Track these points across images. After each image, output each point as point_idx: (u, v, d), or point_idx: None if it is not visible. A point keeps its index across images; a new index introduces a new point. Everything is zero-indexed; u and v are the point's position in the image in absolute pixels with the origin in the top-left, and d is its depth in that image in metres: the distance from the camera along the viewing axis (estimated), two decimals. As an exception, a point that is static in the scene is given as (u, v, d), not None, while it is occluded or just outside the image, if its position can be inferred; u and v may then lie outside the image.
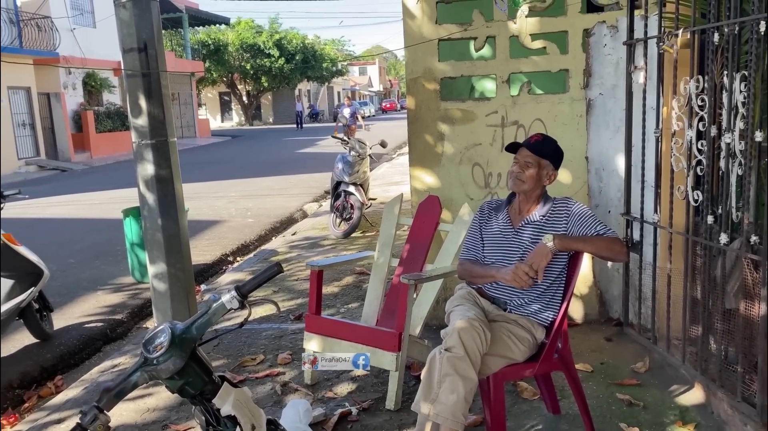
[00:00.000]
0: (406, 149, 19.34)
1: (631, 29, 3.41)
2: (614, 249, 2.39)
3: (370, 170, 8.14)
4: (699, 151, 2.79)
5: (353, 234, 7.04)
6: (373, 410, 2.99)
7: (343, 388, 3.24)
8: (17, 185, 13.26)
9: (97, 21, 21.27)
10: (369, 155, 7.67)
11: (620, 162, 3.65)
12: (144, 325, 4.92)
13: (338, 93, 57.16)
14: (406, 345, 2.95)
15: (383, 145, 7.86)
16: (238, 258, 6.91)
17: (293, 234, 7.63)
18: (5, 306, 4.09)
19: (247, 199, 10.45)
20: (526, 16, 3.74)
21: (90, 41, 20.70)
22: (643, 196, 3.36)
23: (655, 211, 3.21)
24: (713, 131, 2.72)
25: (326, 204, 9.32)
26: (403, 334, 2.93)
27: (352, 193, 7.11)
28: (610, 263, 3.81)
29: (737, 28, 2.55)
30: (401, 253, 3.51)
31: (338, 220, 7.18)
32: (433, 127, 3.93)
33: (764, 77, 2.67)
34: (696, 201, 2.83)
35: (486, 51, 3.92)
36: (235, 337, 3.97)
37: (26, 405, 3.66)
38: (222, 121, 43.04)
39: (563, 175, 3.79)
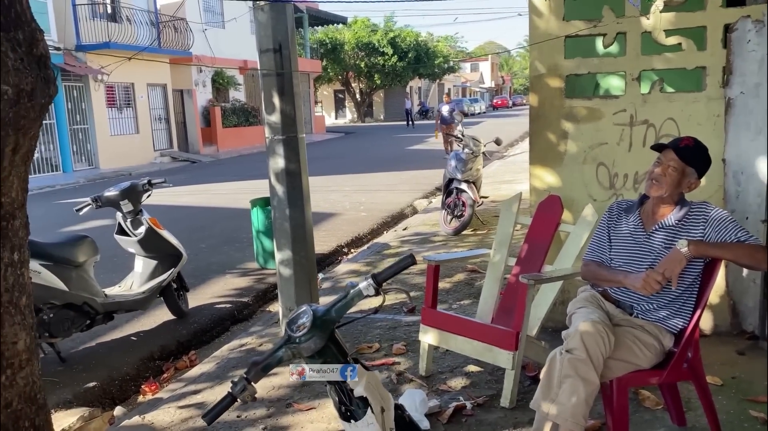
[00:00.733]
0: (518, 147, 18.97)
1: (780, 23, 3.17)
2: (757, 257, 2.24)
3: (483, 168, 8.10)
4: None
5: (464, 232, 7.04)
6: (488, 406, 3.01)
7: (458, 382, 3.29)
8: (154, 174, 14.48)
9: (226, 22, 22.65)
10: (483, 152, 7.63)
11: (762, 166, 3.40)
12: (268, 308, 5.23)
13: (449, 89, 56.93)
14: (523, 344, 2.94)
15: (498, 142, 7.80)
16: (353, 250, 7.14)
17: (404, 229, 7.76)
18: (149, 284, 4.51)
19: (360, 194, 10.74)
20: (660, 11, 3.58)
21: (219, 41, 22.10)
22: (787, 202, 3.12)
23: (802, 218, 2.98)
24: None
25: (435, 200, 9.38)
26: (521, 333, 2.93)
27: (464, 191, 7.11)
28: (745, 272, 3.57)
29: None
30: (519, 252, 3.49)
31: (449, 217, 7.21)
32: (556, 125, 3.86)
33: None
34: None
35: (614, 47, 3.79)
36: (352, 325, 4.14)
37: (165, 375, 4.02)
38: (336, 118, 44.34)
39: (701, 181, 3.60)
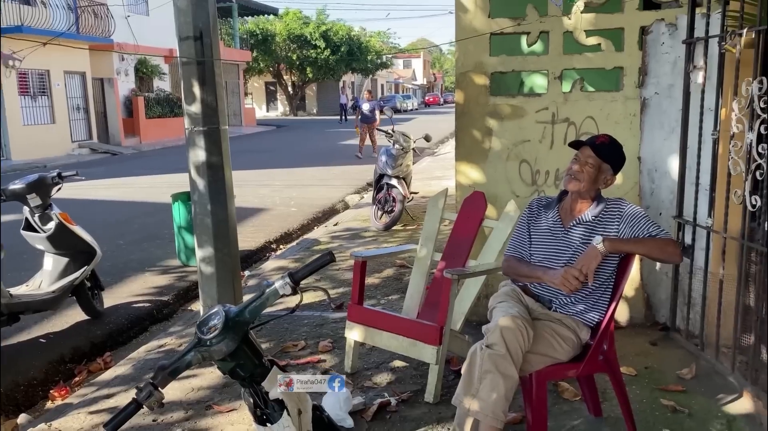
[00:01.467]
0: (448, 144, 19.22)
1: (691, 28, 3.31)
2: (668, 250, 2.33)
3: (413, 164, 8.14)
4: (759, 154, 2.71)
5: (394, 228, 7.05)
6: (412, 402, 3.00)
7: (383, 378, 3.27)
8: (71, 167, 13.74)
9: (151, 9, 21.78)
10: (413, 149, 7.67)
11: (674, 163, 3.56)
12: (189, 307, 5.04)
13: (382, 85, 57.20)
14: (447, 339, 2.95)
15: (427, 139, 7.84)
16: (281, 246, 7.01)
17: (335, 224, 7.70)
18: (60, 283, 4.25)
19: (291, 189, 10.58)
20: (581, 12, 3.67)
21: (143, 29, 21.22)
22: (696, 199, 3.27)
23: (709, 214, 3.13)
24: (775, 134, 2.63)
25: (368, 196, 9.36)
26: (445, 328, 2.93)
27: (394, 186, 7.12)
28: (658, 266, 3.73)
29: (807, 28, 2.46)
30: (444, 248, 3.51)
31: (380, 213, 7.21)
32: (481, 122, 3.90)
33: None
34: (754, 206, 2.74)
35: (538, 46, 3.87)
36: (277, 323, 4.04)
37: (77, 379, 3.80)
38: (267, 111, 43.61)
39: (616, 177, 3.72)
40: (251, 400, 1.64)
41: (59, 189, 4.36)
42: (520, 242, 2.63)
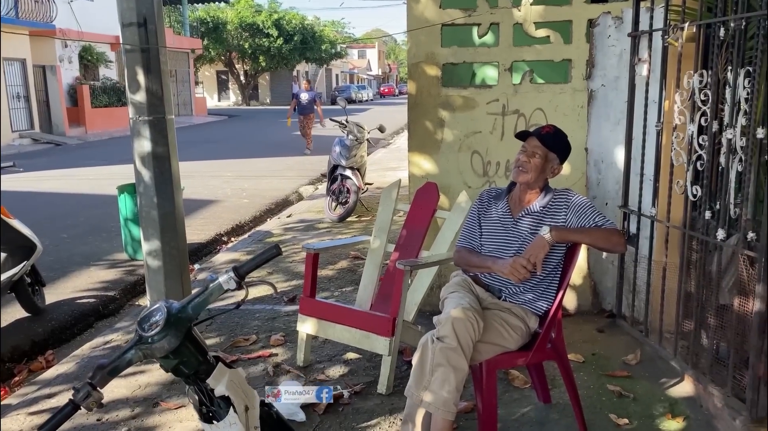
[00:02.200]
0: (403, 135, 19.28)
1: (636, 21, 3.38)
2: (612, 240, 2.38)
3: (368, 155, 8.11)
4: (700, 145, 2.79)
5: (348, 219, 7.03)
6: (365, 394, 3.00)
7: (336, 371, 3.25)
8: (11, 158, 13.16)
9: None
10: (367, 139, 7.64)
11: (620, 154, 3.64)
12: (137, 302, 4.91)
13: (336, 75, 56.85)
14: (399, 330, 2.95)
15: (381, 129, 7.82)
16: (233, 239, 6.89)
17: (288, 216, 7.61)
18: (-3, 280, 4.06)
19: (243, 180, 10.41)
20: (531, 4, 3.71)
21: (87, 15, 20.45)
22: (641, 189, 3.36)
23: (653, 204, 3.21)
24: (715, 126, 2.71)
25: (322, 187, 9.29)
26: (397, 319, 2.93)
27: (348, 177, 7.09)
28: (605, 255, 3.82)
29: (743, 24, 2.53)
30: (397, 239, 3.50)
31: (334, 204, 7.17)
32: (433, 113, 3.90)
33: (767, 74, 2.67)
34: (695, 196, 2.83)
35: (489, 38, 3.89)
36: (228, 317, 3.97)
37: (17, 379, 3.65)
38: (219, 100, 42.77)
39: (563, 166, 3.78)
40: (196, 397, 1.59)
41: (-5, 181, 4.16)
42: (471, 233, 2.65)
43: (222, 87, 43.80)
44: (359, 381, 3.12)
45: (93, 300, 4.82)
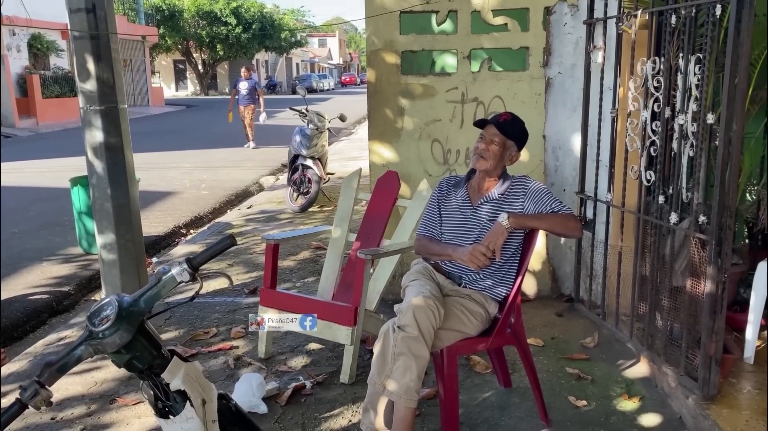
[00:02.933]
0: (365, 124, 19.18)
1: (591, 8, 3.42)
2: (569, 225, 2.41)
3: (329, 144, 8.05)
4: (653, 131, 2.85)
5: (310, 209, 6.98)
6: (328, 383, 2.98)
7: (298, 362, 3.23)
8: (-44, 151, 12.62)
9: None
10: (328, 129, 7.58)
11: (576, 141, 3.69)
12: (92, 298, 4.77)
13: (297, 64, 56.24)
14: (361, 319, 2.94)
15: (342, 118, 7.77)
16: (192, 231, 6.76)
17: (249, 207, 7.51)
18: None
19: (202, 171, 10.22)
20: (488, -8, 3.71)
21: (35, 1, 19.68)
22: (597, 175, 3.41)
23: (609, 190, 3.27)
24: (667, 112, 2.77)
25: (283, 177, 9.19)
26: (359, 309, 2.92)
27: (309, 167, 7.03)
28: (563, 240, 3.88)
29: (694, 11, 2.59)
30: (359, 228, 3.49)
31: (295, 194, 7.10)
32: (393, 101, 3.89)
33: (717, 60, 2.73)
34: (648, 181, 2.89)
35: (447, 25, 3.88)
36: (188, 310, 3.90)
37: (-34, 378, 3.51)
38: (176, 90, 41.84)
39: (521, 154, 3.80)
40: (151, 393, 1.56)
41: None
42: (431, 221, 2.65)
43: (179, 76, 42.85)
44: (322, 371, 3.11)
45: (46, 296, 4.67)
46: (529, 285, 3.96)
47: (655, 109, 2.83)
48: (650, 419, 2.61)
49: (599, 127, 3.34)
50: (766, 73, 2.94)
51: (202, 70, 40.87)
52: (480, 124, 2.55)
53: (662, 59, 2.78)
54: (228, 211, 7.69)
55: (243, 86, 12.46)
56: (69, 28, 3.54)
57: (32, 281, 4.96)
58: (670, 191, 2.76)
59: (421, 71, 3.97)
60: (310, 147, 7.12)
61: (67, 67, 22.34)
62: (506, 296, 2.51)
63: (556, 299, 3.95)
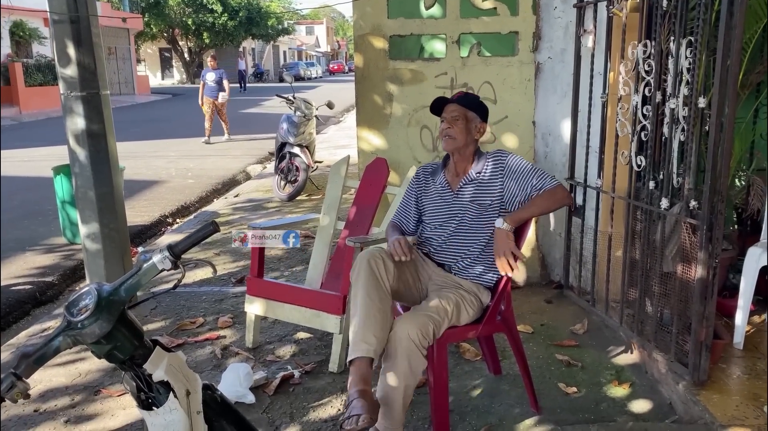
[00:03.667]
0: (353, 112, 19.08)
1: (581, -8, 3.38)
2: (558, 198, 2.39)
3: (317, 133, 7.98)
4: (644, 116, 2.82)
5: (298, 197, 6.92)
6: (316, 373, 2.95)
7: (286, 351, 3.19)
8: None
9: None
10: (315, 116, 7.50)
11: (566, 127, 3.66)
12: (77, 288, 4.70)
13: (284, 52, 55.77)
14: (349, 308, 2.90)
15: (330, 106, 7.69)
16: (178, 220, 6.69)
17: (236, 196, 7.44)
18: None
19: (188, 159, 10.11)
20: (477, -25, 3.66)
21: (16, -13, 19.33)
22: (587, 161, 3.38)
23: (599, 176, 3.24)
24: (658, 97, 2.74)
25: (271, 166, 9.11)
26: (348, 297, 2.88)
27: (297, 155, 6.96)
28: (552, 227, 3.86)
29: (686, -6, 2.55)
30: (347, 216, 3.44)
31: (283, 182, 7.03)
32: (381, 87, 3.83)
33: (708, 44, 2.70)
34: (639, 166, 2.86)
35: (436, 9, 3.83)
36: (174, 300, 3.85)
37: (-53, 371, 3.44)
38: (162, 79, 41.39)
39: (510, 140, 3.79)
40: (134, 384, 1.52)
41: None
42: (405, 210, 2.66)
43: (165, 65, 42.37)
44: (310, 360, 3.07)
45: (29, 286, 4.59)
46: (519, 272, 3.94)
47: (646, 93, 2.80)
48: (640, 405, 2.61)
49: (589, 113, 3.31)
50: (757, 57, 2.92)
51: (188, 58, 40.41)
52: (436, 107, 2.53)
53: (653, 43, 2.74)
54: (215, 199, 7.61)
55: (210, 77, 11.58)
56: (48, 11, 3.45)
57: (15, 272, 4.87)
58: (661, 176, 2.74)
59: (409, 56, 3.92)
60: (298, 134, 7.05)
61: (50, 55, 21.99)
62: (496, 282, 2.48)
63: (546, 286, 3.94)
